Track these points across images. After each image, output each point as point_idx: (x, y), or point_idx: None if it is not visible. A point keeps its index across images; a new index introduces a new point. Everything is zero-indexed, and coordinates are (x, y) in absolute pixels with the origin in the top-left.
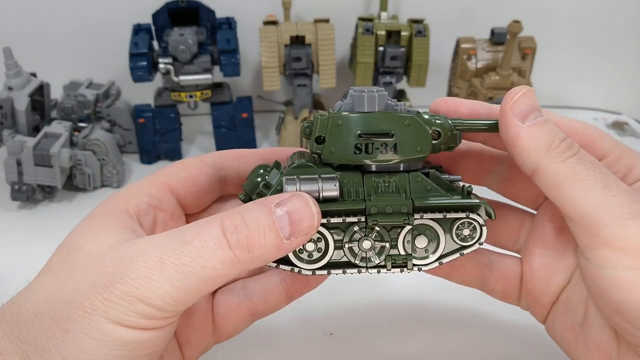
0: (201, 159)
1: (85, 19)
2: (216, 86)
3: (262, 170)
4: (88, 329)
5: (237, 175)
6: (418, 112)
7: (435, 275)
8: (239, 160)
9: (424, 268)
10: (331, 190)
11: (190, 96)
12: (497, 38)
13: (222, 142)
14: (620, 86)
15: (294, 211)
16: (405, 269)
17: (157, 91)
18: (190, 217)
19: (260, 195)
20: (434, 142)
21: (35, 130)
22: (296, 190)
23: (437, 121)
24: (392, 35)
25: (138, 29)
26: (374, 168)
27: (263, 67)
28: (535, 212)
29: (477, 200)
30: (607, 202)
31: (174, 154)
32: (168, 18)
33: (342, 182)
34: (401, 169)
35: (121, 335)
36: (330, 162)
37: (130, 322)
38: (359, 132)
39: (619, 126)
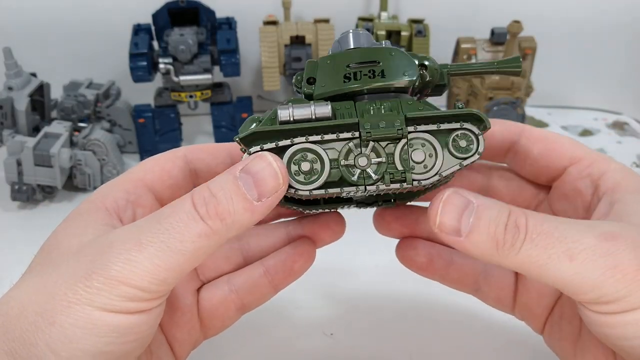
0: (173, 153)
1: (86, 19)
2: (216, 86)
3: (257, 116)
4: (74, 318)
5: (208, 169)
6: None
7: (429, 278)
8: (209, 154)
9: (423, 182)
10: (323, 112)
11: (190, 96)
12: (497, 38)
13: (222, 142)
14: (620, 86)
15: (257, 172)
16: (404, 184)
17: (157, 91)
18: None
19: None
20: (421, 73)
21: (35, 130)
22: (289, 113)
23: (425, 58)
24: (392, 35)
25: (138, 29)
26: (366, 98)
27: (263, 67)
28: None
29: (470, 110)
30: (580, 273)
31: None
32: (168, 18)
33: (334, 107)
34: (392, 96)
35: (108, 321)
36: (322, 97)
37: (115, 307)
38: (347, 64)
39: (619, 126)
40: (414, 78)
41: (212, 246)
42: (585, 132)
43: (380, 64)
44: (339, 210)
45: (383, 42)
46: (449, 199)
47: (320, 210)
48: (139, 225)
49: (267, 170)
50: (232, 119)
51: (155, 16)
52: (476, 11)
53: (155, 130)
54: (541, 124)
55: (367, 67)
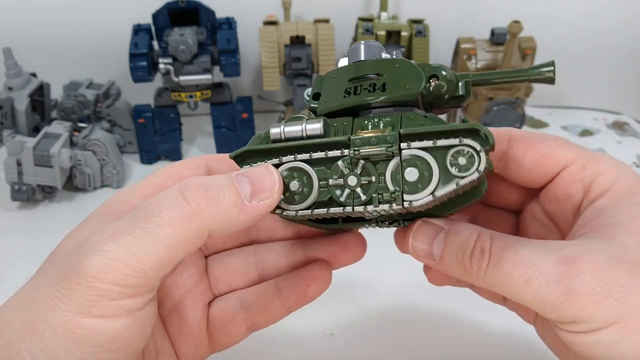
0: (193, 161)
1: (86, 19)
2: (216, 86)
3: (262, 134)
4: (53, 326)
5: None
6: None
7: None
8: (228, 165)
9: (415, 203)
10: (315, 129)
11: (190, 96)
12: (497, 38)
13: (222, 142)
14: (620, 86)
15: (254, 173)
16: (393, 204)
17: (157, 91)
18: None
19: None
20: (432, 83)
21: (35, 130)
22: (280, 131)
23: (438, 68)
24: (392, 35)
25: (138, 29)
26: (372, 113)
27: (263, 67)
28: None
29: (472, 124)
30: (537, 296)
31: (174, 154)
32: (168, 18)
33: (330, 124)
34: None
35: (87, 328)
36: (324, 113)
37: (94, 310)
38: (349, 78)
39: (619, 126)
40: (417, 91)
41: (193, 235)
42: (585, 132)
43: (383, 76)
44: (360, 230)
45: (395, 52)
46: (418, 228)
47: (340, 228)
48: (122, 218)
49: (264, 172)
50: (232, 119)
51: (155, 16)
52: (476, 11)
53: (155, 130)
54: (541, 124)
55: (368, 80)
